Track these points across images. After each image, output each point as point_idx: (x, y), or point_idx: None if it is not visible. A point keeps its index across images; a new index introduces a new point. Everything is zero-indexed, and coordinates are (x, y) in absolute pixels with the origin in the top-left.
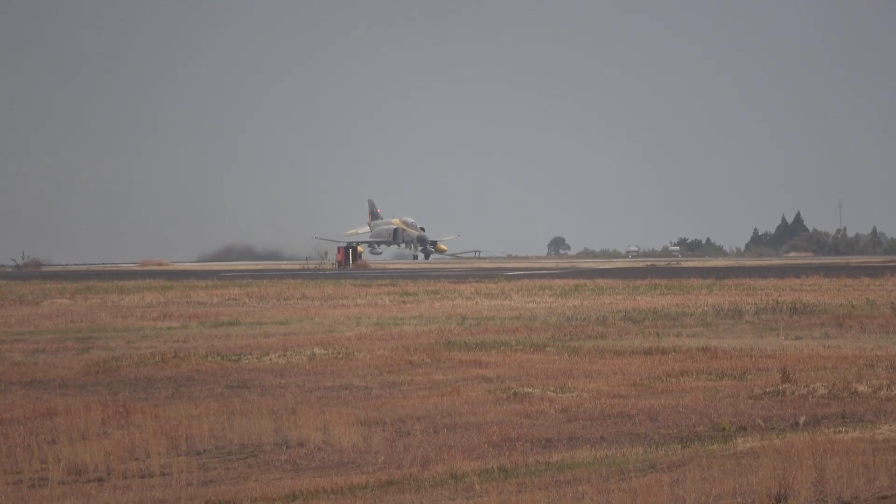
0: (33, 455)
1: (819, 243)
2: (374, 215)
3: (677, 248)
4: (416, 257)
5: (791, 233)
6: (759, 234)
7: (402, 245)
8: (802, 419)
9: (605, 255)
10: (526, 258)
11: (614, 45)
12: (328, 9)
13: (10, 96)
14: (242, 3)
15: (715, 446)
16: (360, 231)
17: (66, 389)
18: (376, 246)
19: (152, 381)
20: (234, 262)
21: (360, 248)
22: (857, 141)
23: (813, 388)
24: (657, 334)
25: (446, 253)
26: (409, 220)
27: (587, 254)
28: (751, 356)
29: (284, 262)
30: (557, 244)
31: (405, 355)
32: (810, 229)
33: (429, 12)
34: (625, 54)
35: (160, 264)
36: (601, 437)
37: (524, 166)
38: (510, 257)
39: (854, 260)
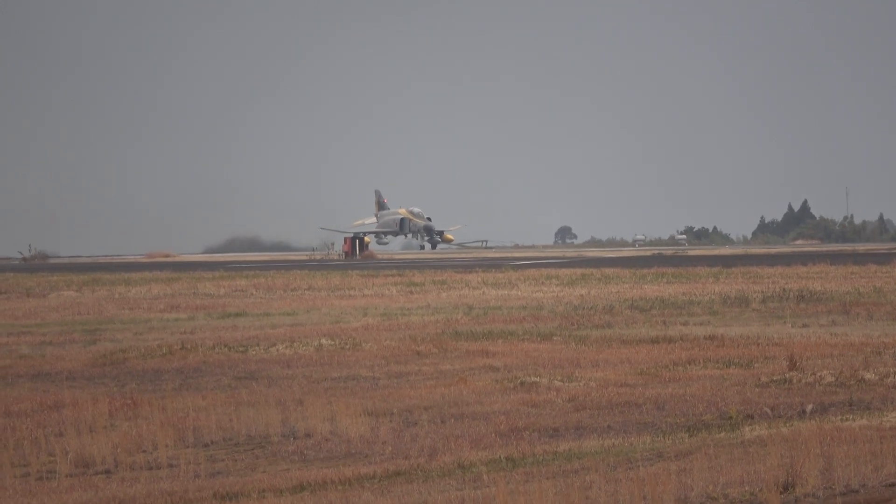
0: (41, 448)
1: (826, 231)
2: (380, 206)
3: (684, 236)
4: (422, 247)
5: (798, 220)
6: (766, 221)
7: (409, 235)
8: (809, 407)
9: (612, 244)
10: (533, 247)
11: (620, 37)
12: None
13: (15, 89)
14: None
15: (722, 435)
16: (366, 222)
17: (73, 382)
18: (383, 236)
19: (159, 372)
20: (241, 254)
21: (366, 239)
22: (863, 128)
23: (820, 376)
24: (664, 323)
25: (453, 243)
26: (416, 210)
27: (594, 243)
28: (758, 344)
29: (291, 252)
30: (564, 233)
31: (412, 345)
32: (817, 217)
33: (434, 2)
34: (631, 46)
35: (166, 256)
36: (608, 426)
37: (531, 156)
38: (517, 247)
39: (861, 247)
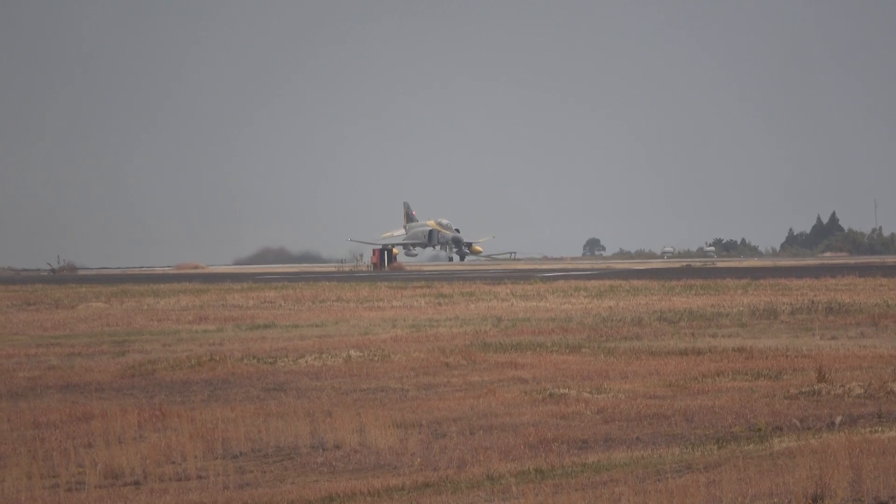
0: (70, 459)
1: (854, 243)
2: (409, 217)
3: (712, 248)
4: (451, 259)
5: (826, 233)
6: (795, 234)
7: (438, 247)
8: (838, 419)
9: (641, 255)
10: (561, 259)
11: (649, 49)
12: (363, 8)
13: (43, 102)
14: (276, 4)
15: (751, 447)
16: (395, 233)
17: (102, 393)
18: (411, 248)
19: (188, 384)
20: (270, 265)
21: (395, 251)
22: (892, 141)
23: (849, 388)
24: (693, 335)
25: (482, 254)
26: (445, 221)
27: (622, 255)
28: (786, 356)
29: (320, 264)
30: (593, 245)
31: (441, 357)
32: (846, 229)
33: (462, 13)
34: (662, 60)
35: (195, 267)
36: (637, 437)
37: (560, 168)
38: (545, 259)
39: (890, 259)
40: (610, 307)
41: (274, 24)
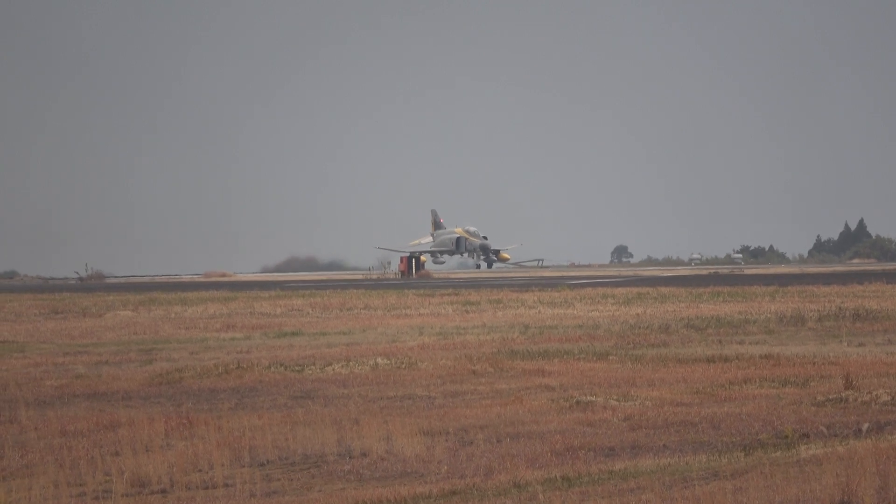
0: (97, 467)
1: (882, 250)
2: (436, 225)
3: (740, 255)
4: (478, 266)
5: (854, 239)
6: (822, 240)
7: (465, 254)
8: (866, 426)
9: (668, 262)
10: (589, 266)
11: (677, 59)
12: (389, 17)
13: (67, 110)
14: (294, 9)
15: (778, 454)
16: (423, 241)
17: (129, 401)
18: (439, 255)
19: (215, 392)
20: (298, 273)
21: (422, 258)
22: None
23: (876, 395)
24: (720, 342)
25: (509, 262)
26: (472, 229)
27: (650, 262)
28: (814, 363)
29: (347, 272)
30: (620, 252)
31: (468, 365)
32: (873, 236)
33: (487, 20)
34: (685, 66)
35: (223, 275)
36: (664, 445)
37: (587, 174)
38: (573, 266)
39: None
40: (637, 314)
41: (285, 26)
